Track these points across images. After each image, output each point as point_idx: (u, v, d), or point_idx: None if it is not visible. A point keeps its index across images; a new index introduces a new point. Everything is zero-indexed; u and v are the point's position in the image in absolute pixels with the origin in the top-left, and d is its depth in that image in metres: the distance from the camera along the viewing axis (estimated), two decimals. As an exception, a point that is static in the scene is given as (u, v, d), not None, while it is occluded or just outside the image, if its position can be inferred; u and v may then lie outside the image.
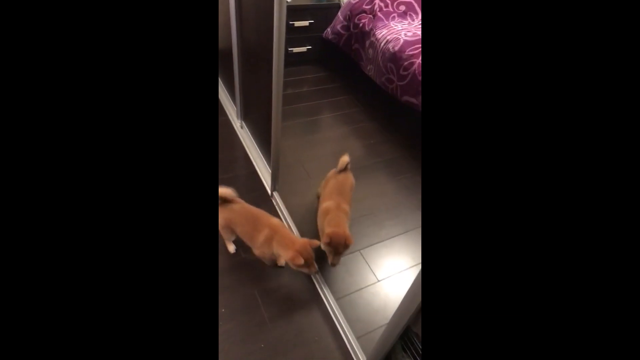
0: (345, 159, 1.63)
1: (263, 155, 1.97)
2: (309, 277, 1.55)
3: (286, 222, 1.72)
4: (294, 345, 1.32)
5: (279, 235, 1.37)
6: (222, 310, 1.40)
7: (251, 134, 2.14)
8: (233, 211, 1.46)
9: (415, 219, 1.83)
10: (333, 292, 1.47)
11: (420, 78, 2.06)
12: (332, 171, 1.67)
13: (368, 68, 2.50)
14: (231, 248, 1.58)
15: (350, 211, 1.54)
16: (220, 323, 1.36)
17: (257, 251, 1.45)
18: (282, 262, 1.45)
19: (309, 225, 1.74)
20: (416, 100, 2.14)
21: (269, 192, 1.86)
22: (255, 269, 1.55)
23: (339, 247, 1.40)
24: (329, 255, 1.45)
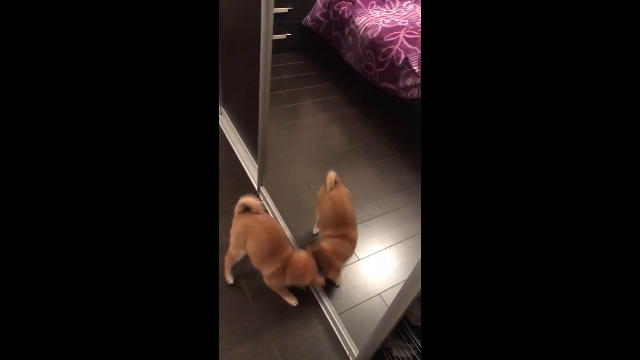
0: (331, 175, 1.49)
1: (248, 149, 1.96)
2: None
3: (274, 217, 1.72)
4: (277, 322, 1.36)
5: (293, 260, 1.31)
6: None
7: (232, 121, 2.13)
8: (256, 220, 1.32)
9: (393, 202, 1.88)
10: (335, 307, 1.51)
11: (398, 64, 2.10)
12: (322, 190, 1.52)
13: (348, 55, 2.52)
14: (230, 279, 1.43)
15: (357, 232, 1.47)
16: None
17: (265, 280, 1.36)
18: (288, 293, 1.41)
19: (296, 217, 1.77)
20: (394, 86, 2.18)
21: (255, 186, 1.84)
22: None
23: (324, 267, 1.40)
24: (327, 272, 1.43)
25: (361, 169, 2.07)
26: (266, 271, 1.32)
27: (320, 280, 1.32)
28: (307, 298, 1.45)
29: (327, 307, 1.40)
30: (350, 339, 1.32)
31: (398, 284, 1.54)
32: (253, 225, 1.31)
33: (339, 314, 1.38)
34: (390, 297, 1.49)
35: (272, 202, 1.75)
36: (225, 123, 2.17)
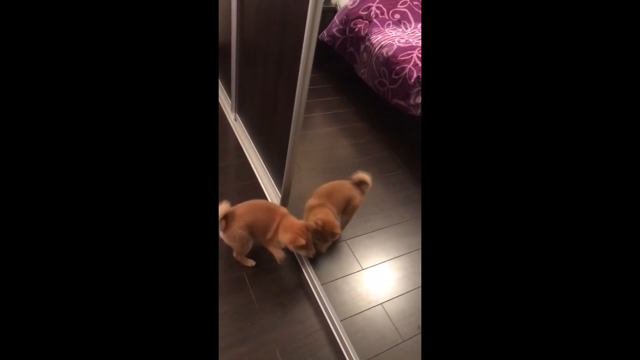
0: (364, 177, 1.62)
1: (268, 170, 1.94)
2: (295, 263, 1.61)
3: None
4: (280, 325, 1.38)
5: (284, 220, 1.42)
6: (211, 289, 1.44)
7: (246, 129, 2.19)
8: (241, 211, 1.42)
9: (399, 215, 1.91)
10: (319, 277, 1.53)
11: (410, 82, 2.16)
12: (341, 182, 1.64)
13: (362, 71, 2.59)
14: (251, 262, 1.54)
15: (336, 215, 1.57)
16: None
17: (269, 245, 1.47)
18: (279, 251, 1.48)
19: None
20: (405, 103, 2.24)
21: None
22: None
23: (327, 235, 1.48)
24: (315, 243, 1.52)
25: (369, 181, 2.10)
26: (268, 235, 1.43)
27: (299, 241, 1.37)
28: (311, 302, 1.47)
29: (330, 313, 1.42)
30: (352, 346, 1.33)
31: (400, 295, 1.56)
32: (244, 215, 1.40)
33: (341, 321, 1.40)
34: (391, 308, 1.51)
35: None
36: (240, 131, 2.23)
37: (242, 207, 1.44)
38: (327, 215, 1.50)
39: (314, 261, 1.60)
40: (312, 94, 2.68)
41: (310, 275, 1.54)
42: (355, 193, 1.62)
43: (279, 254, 1.49)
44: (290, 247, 1.41)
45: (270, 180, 1.90)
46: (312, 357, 1.32)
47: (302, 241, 1.37)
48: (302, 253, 1.46)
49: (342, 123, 2.50)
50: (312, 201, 1.58)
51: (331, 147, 2.32)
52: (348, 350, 1.33)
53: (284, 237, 1.39)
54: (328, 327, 1.41)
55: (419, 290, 1.59)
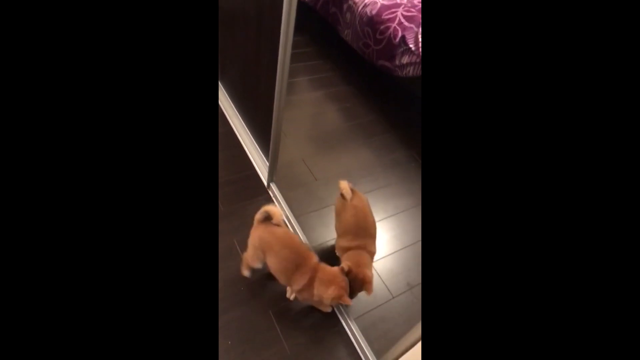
0: (344, 185, 1.40)
1: (253, 137, 1.90)
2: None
3: (285, 214, 1.66)
4: (272, 288, 1.41)
5: (321, 273, 1.23)
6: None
7: (229, 96, 2.14)
8: (273, 234, 1.26)
9: (387, 177, 1.93)
10: (310, 241, 1.56)
11: (395, 42, 2.11)
12: (339, 200, 1.43)
13: (345, 33, 2.52)
14: (246, 272, 1.39)
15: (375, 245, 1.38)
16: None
17: (298, 295, 1.30)
18: (327, 306, 1.33)
19: (291, 192, 1.80)
20: (390, 64, 2.20)
21: (265, 183, 1.79)
22: (234, 219, 1.61)
23: (355, 287, 1.28)
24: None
25: (356, 145, 2.10)
26: (296, 286, 1.25)
27: (347, 299, 1.21)
28: (301, 266, 1.50)
29: (343, 312, 1.46)
30: (348, 313, 1.38)
31: (389, 254, 1.60)
32: (271, 241, 1.24)
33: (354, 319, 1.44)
34: (380, 267, 1.55)
35: (283, 199, 1.71)
36: (223, 100, 2.18)
37: (281, 230, 1.27)
38: (361, 263, 1.28)
39: (305, 226, 1.62)
40: (296, 58, 2.59)
41: (301, 239, 1.56)
42: (363, 198, 1.42)
43: (326, 308, 1.35)
44: (330, 303, 1.24)
45: (256, 148, 1.88)
46: (305, 317, 1.36)
47: (349, 300, 1.21)
48: (344, 302, 1.24)
49: (328, 87, 2.45)
50: (347, 256, 1.32)
51: (317, 112, 2.29)
52: (340, 309, 1.38)
53: (327, 293, 1.20)
54: (343, 329, 1.45)
55: (407, 250, 1.64)
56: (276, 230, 1.26)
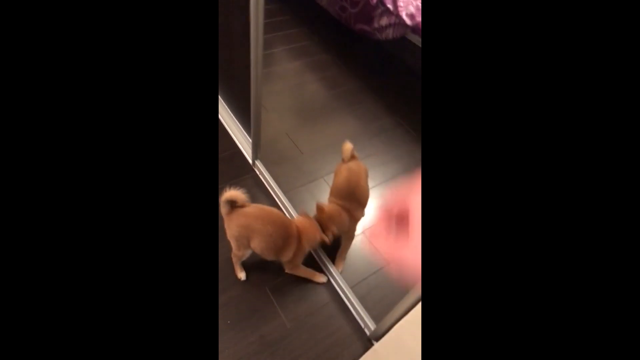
0: (348, 146, 1.39)
1: (235, 117, 1.85)
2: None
3: (273, 191, 1.65)
4: (265, 264, 1.41)
5: (305, 235, 1.27)
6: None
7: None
8: (249, 216, 1.22)
9: (373, 145, 1.91)
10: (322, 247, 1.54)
11: (372, 3, 2.03)
12: (339, 164, 1.44)
13: (319, -3, 2.41)
14: (242, 275, 1.37)
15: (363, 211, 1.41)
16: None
17: (287, 267, 1.34)
18: (316, 273, 1.39)
19: (277, 167, 1.77)
20: (369, 28, 2.12)
21: (250, 161, 1.75)
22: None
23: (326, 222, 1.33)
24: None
25: (339, 115, 2.06)
26: (286, 257, 1.28)
27: (324, 237, 1.29)
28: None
29: (339, 282, 1.46)
30: (339, 275, 1.39)
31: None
32: (250, 223, 1.21)
33: (326, 253, 1.45)
34: (372, 234, 1.56)
35: (270, 176, 1.67)
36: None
37: (254, 208, 1.24)
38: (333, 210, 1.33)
39: (294, 200, 1.60)
40: (270, 28, 2.49)
41: (291, 214, 1.55)
42: (361, 165, 1.42)
43: (319, 278, 1.38)
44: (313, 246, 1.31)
45: (237, 125, 1.83)
46: (301, 290, 1.37)
47: (327, 239, 1.27)
48: (324, 241, 1.31)
49: (306, 56, 2.37)
50: (330, 200, 1.38)
51: (298, 83, 2.22)
52: (336, 279, 1.39)
53: (311, 239, 1.27)
54: (314, 261, 1.45)
55: (398, 215, 1.64)
56: (249, 211, 1.22)
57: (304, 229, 1.28)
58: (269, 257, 1.28)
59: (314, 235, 1.28)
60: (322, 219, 1.31)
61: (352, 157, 1.41)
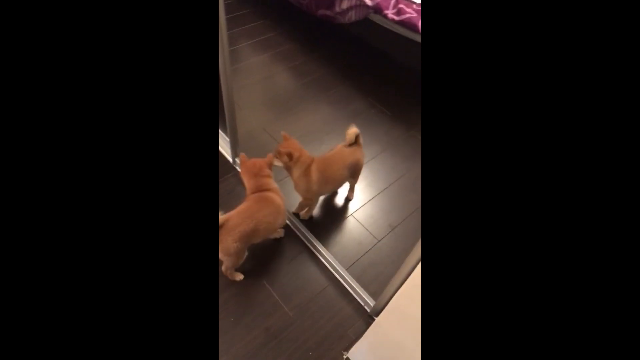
0: (352, 130, 1.41)
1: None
2: (289, 230, 1.61)
3: None
4: (261, 259, 1.43)
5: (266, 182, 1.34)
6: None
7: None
8: (240, 225, 1.22)
9: (350, 128, 1.93)
10: (287, 206, 1.55)
11: (331, -13, 2.02)
12: (339, 145, 1.47)
13: (277, -14, 2.38)
14: (240, 276, 1.38)
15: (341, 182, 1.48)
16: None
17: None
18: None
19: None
20: (331, 12, 2.12)
21: (230, 160, 1.74)
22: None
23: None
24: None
25: (313, 102, 2.07)
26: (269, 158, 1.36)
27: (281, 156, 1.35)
28: (287, 229, 1.52)
29: (305, 234, 1.48)
30: (333, 258, 1.42)
31: (366, 202, 1.64)
32: (246, 230, 1.22)
33: (319, 240, 1.47)
34: (361, 215, 1.59)
35: None
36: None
37: (236, 216, 1.24)
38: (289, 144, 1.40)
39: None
40: (233, 23, 2.46)
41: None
42: (356, 153, 1.46)
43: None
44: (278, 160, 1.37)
45: (213, 125, 1.81)
46: (298, 278, 1.40)
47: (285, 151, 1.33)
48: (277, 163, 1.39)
49: (273, 48, 2.35)
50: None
51: (267, 76, 2.21)
52: (331, 263, 1.42)
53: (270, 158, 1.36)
54: (307, 248, 1.48)
55: (383, 194, 1.68)
56: (235, 221, 1.22)
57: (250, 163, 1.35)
58: (273, 227, 1.35)
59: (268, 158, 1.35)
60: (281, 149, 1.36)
61: (357, 142, 1.44)
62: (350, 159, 1.44)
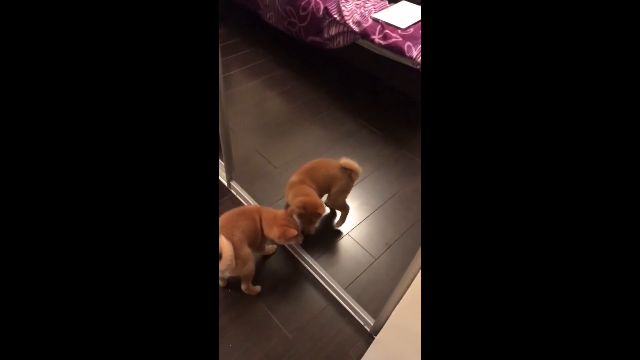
0: (350, 163, 1.49)
1: None
2: (286, 252, 1.62)
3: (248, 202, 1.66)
4: (259, 281, 1.42)
5: (264, 214, 1.32)
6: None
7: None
8: (224, 221, 1.26)
9: (342, 148, 1.97)
10: (311, 255, 1.53)
11: (319, 15, 2.11)
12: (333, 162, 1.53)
13: (268, 16, 2.47)
14: (258, 288, 1.39)
15: (319, 193, 1.47)
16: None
17: (261, 246, 1.39)
18: (271, 247, 1.47)
19: (254, 185, 1.78)
20: (320, 39, 2.20)
21: (225, 183, 1.75)
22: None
23: (312, 215, 1.41)
24: (303, 225, 1.49)
25: (305, 125, 2.11)
26: (276, 232, 1.29)
27: (292, 232, 1.29)
28: (283, 249, 1.51)
29: (303, 255, 1.48)
30: (331, 279, 1.42)
31: (362, 221, 1.66)
32: (234, 229, 1.23)
33: (315, 260, 1.47)
34: (357, 234, 1.60)
35: (247, 194, 1.68)
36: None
37: (224, 226, 1.24)
38: (307, 194, 1.39)
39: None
40: (225, 51, 2.53)
41: (302, 256, 1.56)
42: (341, 174, 1.49)
43: (270, 249, 1.47)
44: (281, 241, 1.32)
45: (207, 150, 1.83)
46: (297, 300, 1.39)
47: (294, 232, 1.28)
48: (293, 242, 1.41)
49: (263, 74, 2.42)
50: (293, 177, 1.48)
51: (259, 101, 2.26)
52: (329, 283, 1.42)
53: (273, 233, 1.29)
54: (305, 270, 1.48)
55: (378, 212, 1.70)
56: (221, 229, 1.22)
57: (265, 216, 1.32)
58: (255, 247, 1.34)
59: (276, 231, 1.29)
60: (311, 212, 1.40)
61: (349, 172, 1.51)
62: (332, 171, 1.49)
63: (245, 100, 2.25)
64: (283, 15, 2.34)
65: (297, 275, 1.46)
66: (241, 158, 1.87)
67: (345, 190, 1.52)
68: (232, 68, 2.44)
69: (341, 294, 1.39)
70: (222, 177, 1.76)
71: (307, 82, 2.38)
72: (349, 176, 1.50)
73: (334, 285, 1.40)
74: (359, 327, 1.33)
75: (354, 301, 1.36)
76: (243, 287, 1.34)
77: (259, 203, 1.65)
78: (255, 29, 2.73)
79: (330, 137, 2.04)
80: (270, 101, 2.27)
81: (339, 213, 1.62)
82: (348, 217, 1.65)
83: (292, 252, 1.52)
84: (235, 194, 1.72)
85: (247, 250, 1.24)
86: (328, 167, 1.50)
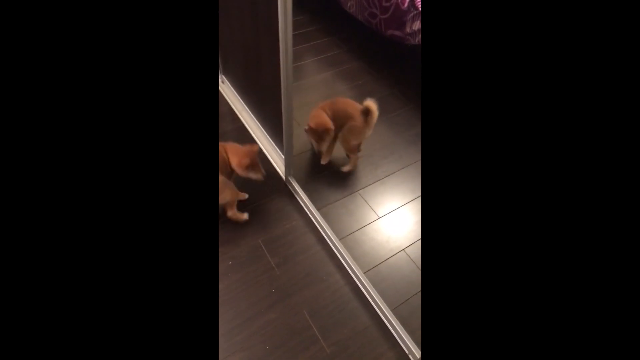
0: (369, 105, 1.58)
1: (265, 130, 1.83)
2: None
3: (306, 207, 1.59)
4: (304, 286, 1.36)
5: (229, 147, 1.48)
6: (228, 262, 1.42)
7: (235, 90, 2.05)
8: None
9: (410, 155, 1.82)
10: (336, 233, 1.49)
11: (403, 7, 1.95)
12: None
13: (348, 5, 2.36)
14: (245, 215, 1.56)
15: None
16: (228, 274, 1.39)
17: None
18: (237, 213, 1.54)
19: (313, 182, 1.72)
20: (401, 33, 2.05)
21: (283, 177, 1.72)
22: (255, 219, 1.56)
23: (322, 133, 1.58)
24: (314, 144, 1.66)
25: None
26: (234, 161, 1.47)
27: (249, 162, 1.45)
28: (332, 258, 1.44)
29: (353, 267, 1.39)
30: (379, 296, 1.31)
31: (420, 240, 1.51)
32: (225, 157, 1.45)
33: (364, 273, 1.38)
34: (414, 252, 1.47)
35: (303, 193, 1.62)
36: (230, 94, 2.10)
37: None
38: (317, 116, 1.57)
39: (329, 217, 1.55)
40: (298, 40, 2.48)
41: (326, 231, 1.50)
42: (357, 115, 1.58)
43: (243, 195, 1.59)
44: (240, 171, 1.45)
45: (270, 141, 1.80)
46: (340, 312, 1.31)
47: (248, 160, 1.43)
48: (253, 176, 1.48)
49: (336, 66, 2.32)
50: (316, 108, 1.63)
51: (329, 94, 2.18)
52: (376, 301, 1.31)
53: (234, 162, 1.45)
54: (352, 281, 1.39)
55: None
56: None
57: (231, 150, 1.47)
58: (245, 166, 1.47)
59: (235, 159, 1.45)
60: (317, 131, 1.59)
61: (367, 115, 1.59)
62: (350, 110, 1.59)
63: (315, 92, 2.19)
64: (364, 5, 2.21)
65: (344, 285, 1.37)
66: (302, 152, 1.81)
67: (357, 133, 1.60)
68: (305, 58, 2.39)
69: (387, 315, 1.28)
70: (280, 171, 1.72)
71: (381, 77, 2.24)
72: (365, 120, 1.58)
73: (380, 304, 1.30)
74: (402, 356, 1.22)
75: (400, 325, 1.25)
76: (229, 214, 1.50)
77: (314, 203, 1.58)
78: (334, 18, 2.63)
79: (398, 140, 1.90)
80: (341, 95, 2.17)
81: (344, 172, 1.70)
82: (406, 230, 1.52)
83: (341, 260, 1.44)
84: (291, 189, 1.67)
85: (221, 179, 1.40)
86: (347, 105, 1.61)
